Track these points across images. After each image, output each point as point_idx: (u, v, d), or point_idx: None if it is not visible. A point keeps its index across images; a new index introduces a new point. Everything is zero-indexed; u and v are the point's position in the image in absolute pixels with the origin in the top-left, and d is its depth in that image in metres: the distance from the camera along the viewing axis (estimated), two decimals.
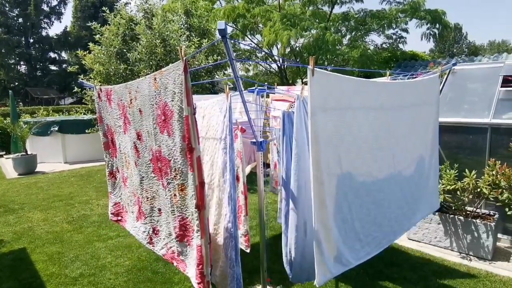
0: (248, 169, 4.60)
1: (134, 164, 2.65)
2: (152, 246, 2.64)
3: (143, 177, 2.53)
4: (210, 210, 2.50)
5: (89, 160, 11.19)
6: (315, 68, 1.67)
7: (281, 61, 12.44)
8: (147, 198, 2.52)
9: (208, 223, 2.07)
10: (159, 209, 2.40)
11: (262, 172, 3.12)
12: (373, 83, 2.35)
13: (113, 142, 3.22)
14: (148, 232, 2.64)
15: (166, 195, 2.21)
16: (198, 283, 2.04)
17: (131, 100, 2.48)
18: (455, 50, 45.10)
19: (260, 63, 13.59)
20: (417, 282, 3.72)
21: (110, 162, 3.37)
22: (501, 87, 4.88)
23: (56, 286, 3.79)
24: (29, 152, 10.19)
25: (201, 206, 1.93)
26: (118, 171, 3.28)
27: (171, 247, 2.28)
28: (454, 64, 3.22)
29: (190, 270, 2.15)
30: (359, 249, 2.18)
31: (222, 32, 1.53)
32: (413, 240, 4.73)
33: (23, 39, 33.46)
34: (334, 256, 1.99)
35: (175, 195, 2.11)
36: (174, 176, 2.07)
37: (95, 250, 4.68)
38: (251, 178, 4.78)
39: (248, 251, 3.25)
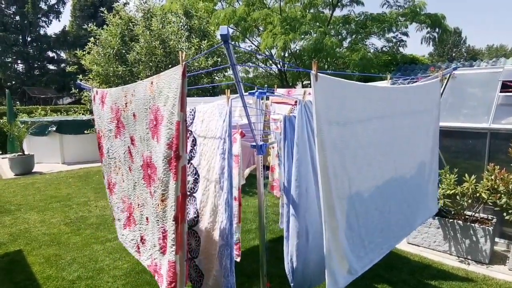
0: (247, 172, 4.59)
1: (128, 169, 2.56)
2: (139, 255, 2.55)
3: (136, 182, 2.44)
4: (204, 217, 2.43)
5: (88, 161, 11.13)
6: (318, 73, 1.65)
7: (281, 64, 12.43)
8: (138, 205, 2.44)
9: (186, 238, 1.95)
10: (147, 218, 2.32)
11: (262, 176, 3.10)
12: (375, 88, 2.34)
13: (100, 146, 3.14)
14: (136, 240, 2.55)
15: (153, 203, 2.13)
16: None
17: (126, 103, 2.42)
18: (454, 54, 45.30)
19: (261, 66, 13.57)
20: (416, 286, 3.71)
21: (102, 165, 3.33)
22: (500, 92, 4.90)
23: None
24: (26, 152, 10.11)
25: (179, 219, 1.81)
26: (104, 177, 3.21)
27: (155, 259, 2.20)
28: (455, 68, 3.22)
29: (163, 286, 2.04)
30: (363, 257, 2.17)
31: (225, 37, 1.50)
32: (412, 244, 4.73)
33: (21, 37, 33.22)
34: (343, 266, 1.97)
35: (158, 205, 2.02)
36: (158, 185, 1.99)
37: (93, 252, 4.64)
38: (251, 181, 4.76)
39: (238, 260, 3.21)
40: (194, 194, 2.51)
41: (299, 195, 2.31)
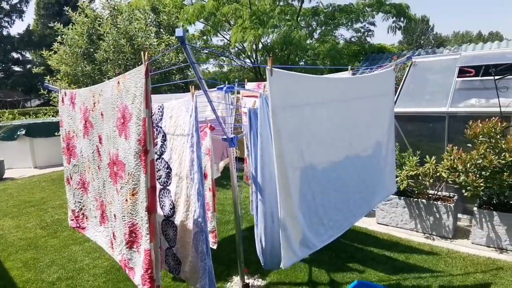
0: (221, 165, 4.70)
1: (97, 168, 2.62)
2: (112, 251, 2.62)
3: (105, 180, 2.52)
4: (179, 208, 2.54)
5: (60, 163, 10.78)
6: (273, 68, 1.79)
7: (251, 58, 12.53)
8: (108, 202, 2.52)
9: (158, 227, 2.05)
10: (115, 215, 2.40)
11: (235, 167, 3.24)
12: (330, 79, 2.51)
13: (69, 147, 3.17)
14: (110, 236, 2.63)
15: (119, 200, 2.21)
16: None
17: (94, 103, 2.48)
18: (422, 42, 46.72)
19: (230, 57, 13.59)
20: (385, 263, 3.96)
21: (66, 168, 3.35)
22: (458, 77, 5.21)
23: None
24: None
25: (151, 209, 1.94)
26: (72, 178, 3.23)
27: (124, 254, 2.29)
28: (409, 57, 3.45)
29: (137, 277, 2.14)
30: (323, 233, 2.36)
31: (181, 38, 1.60)
32: (381, 224, 5.01)
33: None
34: (300, 240, 2.15)
35: (126, 200, 2.10)
36: (127, 181, 2.07)
37: (72, 253, 4.64)
38: (227, 174, 4.88)
39: (215, 247, 3.34)
40: (168, 187, 2.61)
41: (263, 181, 2.48)
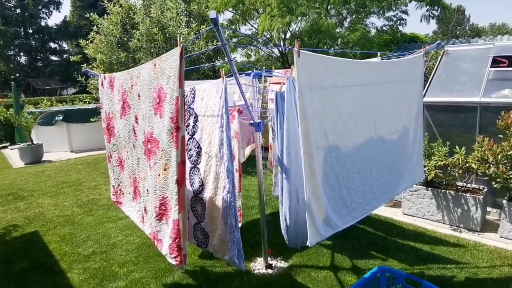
0: (248, 151, 4.82)
1: (132, 146, 2.80)
2: (143, 225, 2.79)
3: (139, 158, 2.68)
4: (208, 185, 2.68)
5: (95, 148, 11.41)
6: (300, 50, 1.86)
7: (277, 46, 12.49)
8: (142, 178, 2.68)
9: (186, 200, 2.19)
10: (147, 190, 2.56)
11: (261, 152, 3.34)
12: (356, 62, 2.53)
13: (109, 127, 3.39)
14: (141, 211, 2.79)
15: (152, 175, 2.36)
16: (175, 257, 2.14)
17: (132, 85, 2.64)
18: (458, 32, 44.68)
19: (259, 47, 13.63)
20: (409, 252, 3.96)
21: (107, 147, 3.58)
22: (491, 67, 5.02)
23: (69, 264, 4.01)
24: (34, 142, 10.39)
25: (181, 182, 2.08)
26: (112, 156, 3.44)
27: (153, 227, 2.44)
28: (439, 44, 3.39)
29: (164, 247, 2.28)
30: (345, 214, 2.42)
31: (214, 20, 1.71)
32: (407, 215, 4.97)
33: (22, 30, 33.34)
34: (323, 220, 2.23)
35: (159, 175, 2.24)
36: (161, 156, 2.21)
37: (106, 230, 4.93)
38: (253, 162, 4.97)
39: (239, 225, 3.49)
40: (197, 166, 2.76)
41: (289, 161, 2.56)
